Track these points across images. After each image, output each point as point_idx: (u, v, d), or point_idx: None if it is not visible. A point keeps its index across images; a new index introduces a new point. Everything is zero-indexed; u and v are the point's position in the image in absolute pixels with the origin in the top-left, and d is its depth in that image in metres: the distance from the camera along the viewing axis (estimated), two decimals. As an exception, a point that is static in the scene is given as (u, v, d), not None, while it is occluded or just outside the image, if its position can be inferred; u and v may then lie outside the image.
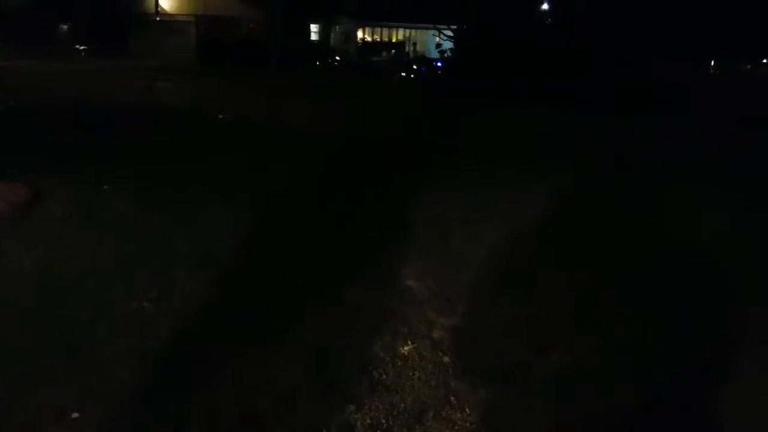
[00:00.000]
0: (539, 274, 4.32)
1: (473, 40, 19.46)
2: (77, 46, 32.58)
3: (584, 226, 5.54)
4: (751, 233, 5.55)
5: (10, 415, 2.53)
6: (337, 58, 31.99)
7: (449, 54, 21.59)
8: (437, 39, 23.33)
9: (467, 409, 2.75)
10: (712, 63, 43.36)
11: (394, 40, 38.89)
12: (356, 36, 37.56)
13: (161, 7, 33.69)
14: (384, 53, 33.88)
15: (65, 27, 35.22)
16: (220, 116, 11.70)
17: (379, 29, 38.99)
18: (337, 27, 36.45)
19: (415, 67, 25.89)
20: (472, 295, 3.93)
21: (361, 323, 3.44)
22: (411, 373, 3.01)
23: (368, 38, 38.89)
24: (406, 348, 3.24)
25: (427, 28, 31.24)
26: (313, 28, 36.38)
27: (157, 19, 33.39)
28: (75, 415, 2.55)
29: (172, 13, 33.87)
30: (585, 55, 17.26)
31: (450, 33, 21.61)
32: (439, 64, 23.09)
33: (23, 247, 4.21)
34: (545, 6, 24.77)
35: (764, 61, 45.67)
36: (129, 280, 3.79)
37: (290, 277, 4.01)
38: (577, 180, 7.38)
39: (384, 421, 2.65)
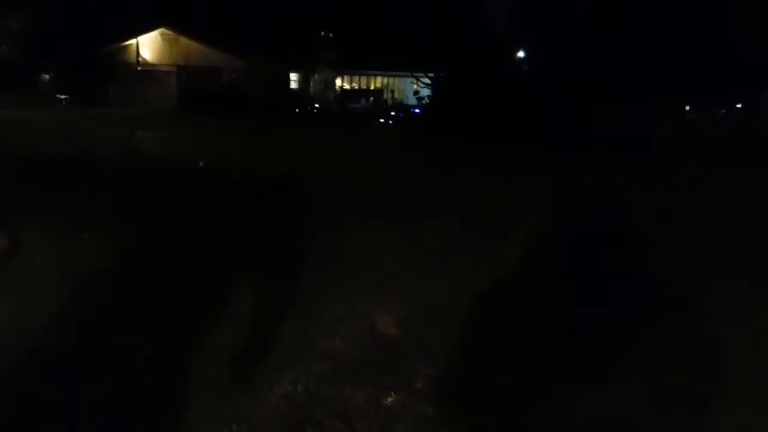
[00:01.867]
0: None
1: (450, 87, 19.89)
2: (58, 95, 32.72)
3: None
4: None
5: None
6: (317, 105, 32.46)
7: (427, 101, 22.02)
8: (415, 86, 23.81)
9: None
10: (687, 108, 44.65)
11: (372, 87, 39.56)
12: (335, 84, 38.17)
13: (142, 57, 34.06)
14: (362, 100, 34.46)
15: (46, 76, 35.41)
16: (201, 164, 11.74)
17: (357, 77, 39.68)
18: (317, 75, 37.06)
19: (393, 113, 26.36)
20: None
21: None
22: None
23: (347, 86, 39.52)
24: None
25: (405, 76, 31.89)
26: (293, 76, 36.95)
27: (138, 69, 33.71)
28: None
29: (154, 63, 34.24)
30: (559, 102, 17.72)
31: (427, 80, 22.07)
32: (416, 110, 23.51)
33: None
34: (521, 53, 25.49)
35: (738, 105, 47.13)
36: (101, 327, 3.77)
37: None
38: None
39: None
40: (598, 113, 19.08)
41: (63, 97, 32.56)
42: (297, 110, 30.21)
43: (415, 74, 23.24)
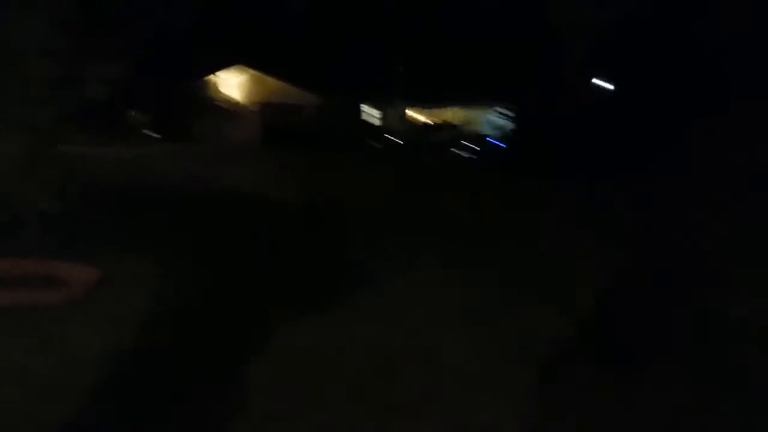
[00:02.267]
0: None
1: (533, 118, 19.56)
2: (145, 131, 34.28)
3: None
4: None
5: None
6: (391, 138, 32.70)
7: (505, 132, 21.73)
8: (492, 117, 23.58)
9: None
10: None
11: (447, 119, 39.55)
12: (408, 116, 38.38)
13: (227, 94, 35.38)
14: (437, 133, 34.42)
15: (134, 113, 37.23)
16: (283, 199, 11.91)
17: (431, 110, 39.75)
18: (390, 108, 37.42)
19: (470, 145, 26.13)
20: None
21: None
22: None
23: (421, 118, 39.64)
24: None
25: (482, 108, 31.65)
26: (368, 110, 37.45)
27: (221, 105, 35.01)
28: None
29: (238, 100, 35.51)
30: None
31: (506, 111, 21.80)
32: (496, 142, 23.23)
33: (89, 328, 4.24)
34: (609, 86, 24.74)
35: None
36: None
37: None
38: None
39: None
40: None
41: (149, 133, 34.06)
42: (371, 143, 30.51)
43: (493, 105, 23.03)
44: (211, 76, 34.97)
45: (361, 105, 35.99)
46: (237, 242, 7.47)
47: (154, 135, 33.64)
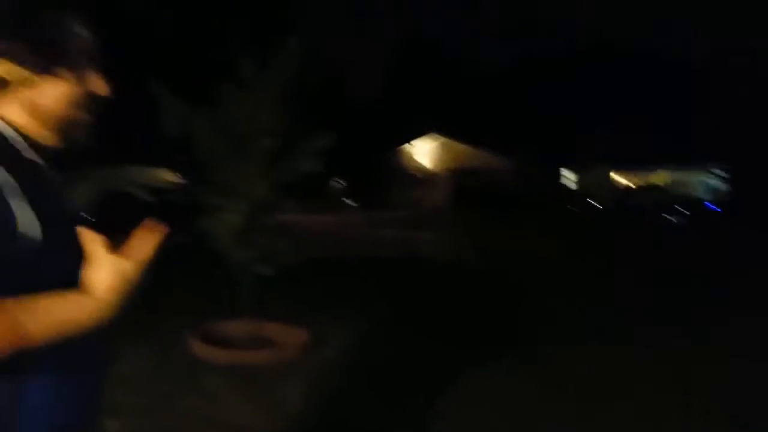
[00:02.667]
0: None
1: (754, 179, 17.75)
2: (344, 199, 36.52)
3: None
4: None
5: None
6: (590, 201, 31.42)
7: (723, 195, 19.87)
8: (706, 180, 21.74)
9: None
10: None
11: (653, 182, 37.25)
12: (610, 179, 36.75)
13: (419, 162, 36.70)
14: (642, 196, 32.37)
15: (333, 183, 39.96)
16: (471, 261, 11.83)
17: (635, 172, 37.78)
18: (590, 171, 36.17)
19: (680, 209, 24.19)
20: None
21: None
22: None
23: (624, 181, 37.77)
24: None
25: (692, 170, 29.45)
26: (565, 173, 36.59)
27: (414, 173, 36.35)
28: None
29: (429, 167, 36.66)
30: None
31: (721, 173, 20.02)
32: (712, 206, 21.28)
33: (301, 391, 4.40)
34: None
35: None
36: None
37: None
38: None
39: None
40: None
41: (348, 201, 36.18)
42: (569, 207, 29.58)
43: (709, 167, 21.27)
44: (407, 145, 36.59)
45: (561, 168, 35.27)
46: (432, 303, 7.50)
47: (352, 203, 35.75)
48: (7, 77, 1.15)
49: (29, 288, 1.06)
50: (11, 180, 1.08)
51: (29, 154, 1.17)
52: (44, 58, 1.16)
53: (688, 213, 23.24)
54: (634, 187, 36.44)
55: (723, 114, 19.80)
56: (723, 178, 19.94)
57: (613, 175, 37.07)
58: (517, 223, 22.14)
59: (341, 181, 39.30)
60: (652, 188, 34.61)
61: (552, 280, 9.71)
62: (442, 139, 35.70)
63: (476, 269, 10.99)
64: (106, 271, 1.11)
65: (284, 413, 4.00)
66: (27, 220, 1.07)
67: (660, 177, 36.00)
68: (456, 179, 33.96)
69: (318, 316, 6.33)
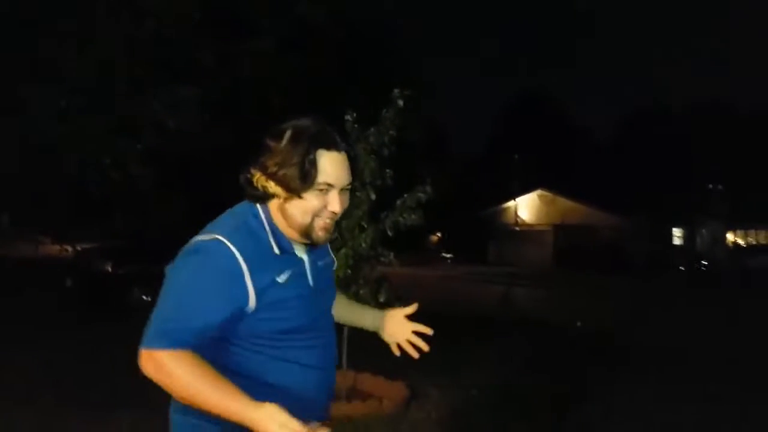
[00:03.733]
0: None
1: None
2: (443, 254, 36.43)
3: None
4: None
5: None
6: (704, 262, 29.64)
7: None
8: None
9: None
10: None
11: (771, 242, 34.89)
12: (725, 239, 34.65)
13: (520, 217, 36.14)
14: (761, 256, 30.25)
15: (433, 237, 40.02)
16: (578, 324, 11.39)
17: (753, 231, 35.52)
18: (704, 230, 34.29)
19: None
20: None
21: None
22: None
23: (740, 241, 35.52)
24: None
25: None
26: (676, 231, 34.86)
27: (516, 228, 35.76)
28: None
29: (531, 222, 36.00)
30: None
31: None
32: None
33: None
34: None
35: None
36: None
37: None
38: None
39: None
40: None
41: (447, 255, 36.04)
42: (681, 268, 28.00)
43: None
44: (510, 202, 36.22)
45: (669, 225, 33.66)
46: (531, 359, 7.28)
47: (450, 257, 35.60)
48: (275, 193, 1.60)
49: (257, 332, 1.56)
50: (247, 268, 1.53)
51: (273, 245, 1.62)
52: (299, 186, 1.58)
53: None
54: (754, 246, 34.21)
55: None
56: None
57: (728, 234, 35.00)
58: (624, 284, 21.21)
59: (440, 236, 39.37)
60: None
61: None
62: (548, 195, 35.11)
63: (587, 334, 10.53)
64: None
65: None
66: (251, 295, 1.55)
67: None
68: (562, 236, 33.10)
69: (416, 372, 6.26)
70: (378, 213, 5.50)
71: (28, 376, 5.84)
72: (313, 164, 1.58)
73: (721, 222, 32.89)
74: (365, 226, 5.37)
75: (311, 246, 1.69)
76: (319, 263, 1.74)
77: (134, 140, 13.81)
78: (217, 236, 1.55)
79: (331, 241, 1.90)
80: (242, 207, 1.67)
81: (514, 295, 15.78)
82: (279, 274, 1.59)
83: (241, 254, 1.54)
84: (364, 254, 5.37)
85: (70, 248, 14.19)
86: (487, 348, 8.26)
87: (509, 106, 46.17)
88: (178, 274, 1.55)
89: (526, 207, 36.23)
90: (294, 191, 1.59)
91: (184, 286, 1.53)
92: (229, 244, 1.54)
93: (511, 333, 9.73)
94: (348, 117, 5.33)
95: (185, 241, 1.65)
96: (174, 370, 1.48)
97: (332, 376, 1.79)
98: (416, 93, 6.28)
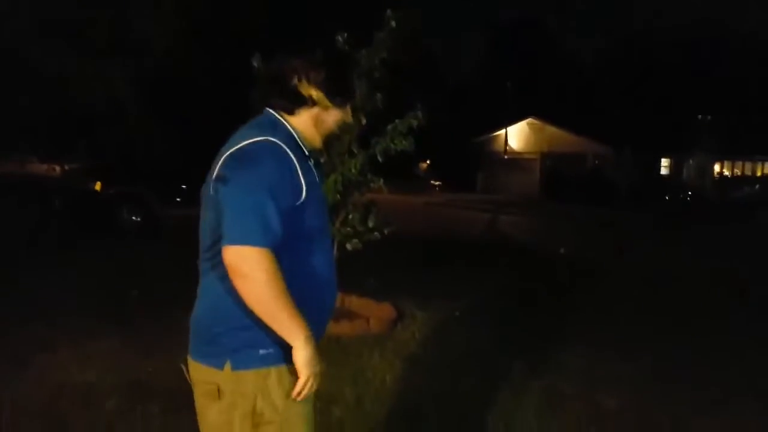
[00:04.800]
0: None
1: None
2: (432, 181, 36.50)
3: None
4: None
5: None
6: (690, 193, 29.92)
7: None
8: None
9: None
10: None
11: (758, 174, 35.07)
12: (712, 171, 34.84)
13: (509, 146, 36.07)
14: (746, 188, 30.54)
15: (423, 164, 39.96)
16: (561, 251, 11.61)
17: (740, 163, 35.69)
18: (691, 161, 34.45)
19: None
20: None
21: None
22: None
23: (727, 172, 35.75)
24: None
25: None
26: (664, 162, 35.02)
27: (505, 157, 35.74)
28: None
29: (519, 151, 35.97)
30: None
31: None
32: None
33: (389, 363, 4.52)
34: None
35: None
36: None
37: None
38: None
39: None
40: None
41: (436, 183, 36.12)
42: (666, 198, 28.28)
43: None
44: (500, 130, 35.99)
45: (656, 156, 33.76)
46: (518, 290, 7.45)
47: (439, 184, 35.66)
48: (317, 101, 1.76)
49: (295, 231, 1.65)
50: (297, 164, 1.66)
51: (306, 151, 1.77)
52: (343, 96, 1.80)
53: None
54: (740, 177, 34.46)
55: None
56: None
57: (715, 166, 35.17)
58: (613, 215, 21.40)
59: (429, 163, 39.29)
60: (756, 179, 32.62)
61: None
62: (538, 123, 34.94)
63: (569, 261, 10.75)
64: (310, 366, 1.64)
65: (370, 384, 4.12)
66: (303, 189, 1.66)
67: (765, 167, 33.91)
68: (549, 165, 33.13)
69: (404, 293, 6.42)
70: (368, 138, 5.48)
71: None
72: (352, 82, 1.87)
73: (709, 153, 32.98)
74: (355, 151, 5.37)
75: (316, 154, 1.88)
76: (319, 172, 1.86)
77: (121, 62, 13.58)
78: (268, 137, 1.67)
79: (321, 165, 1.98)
80: (267, 117, 1.79)
81: (501, 222, 15.98)
82: (310, 173, 1.73)
83: (291, 152, 1.68)
84: (353, 180, 5.39)
85: (57, 168, 14.09)
86: (472, 272, 8.44)
87: (500, 34, 45.17)
88: (248, 174, 1.62)
89: (515, 135, 36.11)
90: (341, 103, 1.80)
91: (257, 185, 1.61)
92: (280, 143, 1.67)
93: (495, 258, 9.93)
94: (339, 38, 5.22)
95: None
96: (261, 265, 1.56)
97: (336, 287, 1.92)
98: (409, 15, 6.13)
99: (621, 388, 4.25)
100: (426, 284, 7.18)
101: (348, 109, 1.85)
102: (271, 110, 1.78)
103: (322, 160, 1.95)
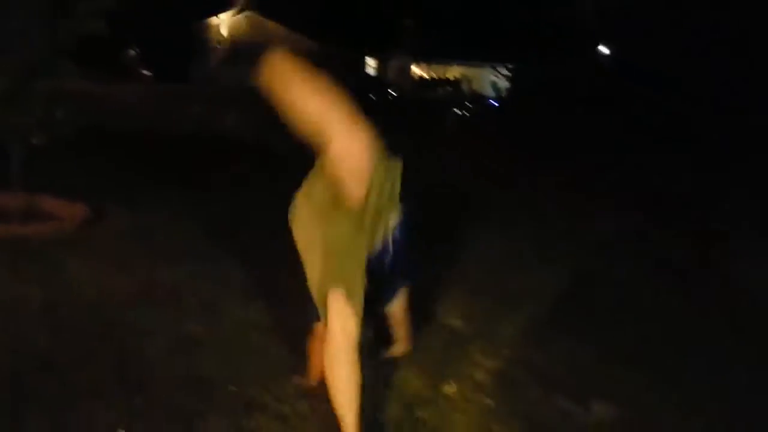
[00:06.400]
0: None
1: (532, 79, 19.51)
2: (142, 71, 34.01)
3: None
4: None
5: None
6: (392, 93, 32.36)
7: (505, 92, 21.69)
8: (493, 77, 23.48)
9: None
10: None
11: (450, 77, 39.16)
12: (411, 72, 37.97)
13: (223, 36, 34.92)
14: (439, 90, 34.06)
15: (131, 51, 36.83)
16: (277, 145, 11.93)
17: (435, 66, 39.35)
18: (393, 62, 37.01)
19: (469, 104, 25.89)
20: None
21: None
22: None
23: (424, 74, 39.24)
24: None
25: (484, 66, 31.43)
26: (370, 61, 37.11)
27: (222, 48, 34.61)
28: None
29: (237, 42, 35.06)
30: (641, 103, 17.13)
31: (507, 72, 21.71)
32: (494, 102, 23.13)
33: (82, 262, 4.34)
34: (606, 50, 24.63)
35: None
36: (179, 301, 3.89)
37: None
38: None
39: None
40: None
41: (146, 72, 33.77)
42: (371, 96, 30.22)
43: (494, 65, 22.93)
44: (214, 18, 34.51)
45: (362, 55, 35.61)
46: (227, 182, 7.51)
47: (149, 74, 33.39)
48: None
49: None
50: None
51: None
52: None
53: (470, 105, 24.89)
54: (434, 79, 38.12)
55: (512, 14, 21.29)
56: (506, 76, 21.75)
57: (414, 67, 38.35)
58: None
59: (139, 51, 36.28)
60: (449, 82, 36.54)
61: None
62: (252, 15, 34.14)
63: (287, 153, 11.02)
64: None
65: (62, 285, 3.96)
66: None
67: (455, 71, 38.05)
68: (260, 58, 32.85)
69: (104, 193, 6.10)
70: (53, 16, 4.94)
71: None
72: None
73: (409, 55, 35.78)
74: (35, 30, 4.82)
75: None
76: None
77: None
78: None
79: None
80: None
81: (217, 114, 15.61)
82: None
83: None
84: (35, 64, 4.87)
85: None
86: (185, 169, 8.25)
87: None
88: None
89: (230, 25, 35.01)
90: None
91: None
92: None
93: (220, 151, 9.72)
94: None
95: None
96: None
97: None
98: None
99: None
100: (135, 183, 6.88)
101: None
102: None
103: None
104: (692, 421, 3.16)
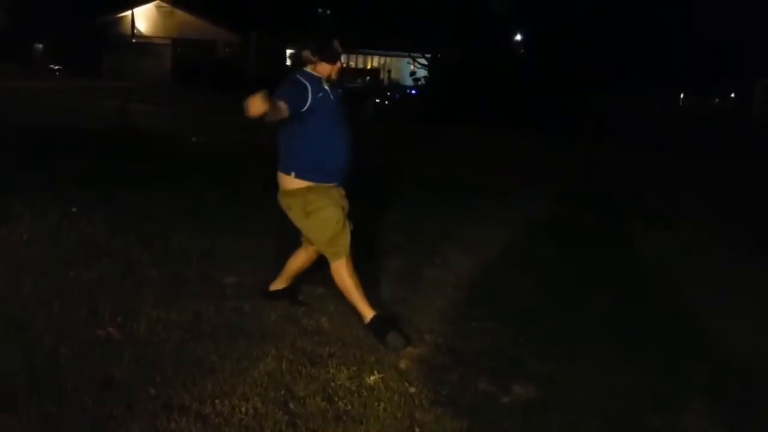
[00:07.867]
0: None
1: (446, 68, 19.80)
2: (51, 66, 32.41)
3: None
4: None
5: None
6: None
7: (423, 82, 21.91)
8: (411, 67, 23.66)
9: None
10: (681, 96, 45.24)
11: (369, 67, 39.23)
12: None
13: (138, 29, 33.68)
14: (359, 80, 34.12)
15: (40, 46, 35.02)
16: (194, 139, 11.66)
17: (354, 56, 39.33)
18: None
19: (389, 93, 26.06)
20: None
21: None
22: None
23: (343, 65, 39.17)
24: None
25: (402, 56, 31.62)
26: (290, 52, 36.61)
27: (133, 41, 33.35)
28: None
29: (148, 35, 33.87)
30: (552, 87, 17.75)
31: (424, 61, 21.92)
32: (413, 91, 23.36)
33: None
34: (518, 37, 25.32)
35: (732, 95, 48.09)
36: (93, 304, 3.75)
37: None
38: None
39: None
40: (590, 99, 19.27)
41: (56, 67, 32.24)
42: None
43: (412, 54, 23.11)
44: (127, 11, 33.16)
45: (282, 45, 35.09)
46: (137, 183, 7.32)
47: (59, 69, 31.85)
48: (306, 61, 3.76)
49: (314, 120, 3.64)
50: (309, 87, 3.61)
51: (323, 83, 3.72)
52: (329, 57, 3.76)
53: (389, 95, 25.10)
54: (355, 69, 38.11)
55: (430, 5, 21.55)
56: (423, 65, 21.99)
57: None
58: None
59: (48, 45, 34.52)
60: (369, 72, 36.63)
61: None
62: (166, 7, 33.07)
63: (202, 146, 10.86)
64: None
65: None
66: (307, 100, 3.59)
67: (374, 61, 38.17)
68: (180, 51, 31.99)
69: (10, 194, 5.80)
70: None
71: None
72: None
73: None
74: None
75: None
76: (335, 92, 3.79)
77: None
78: (297, 75, 3.69)
79: None
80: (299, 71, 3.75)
81: (131, 110, 15.10)
82: (322, 92, 3.67)
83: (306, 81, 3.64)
84: None
85: None
86: (103, 162, 7.98)
87: None
88: (286, 85, 3.64)
89: (143, 18, 33.77)
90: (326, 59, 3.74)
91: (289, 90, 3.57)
92: (301, 78, 3.67)
93: (130, 147, 9.46)
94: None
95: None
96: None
97: (344, 155, 3.77)
98: None
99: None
100: (43, 182, 6.58)
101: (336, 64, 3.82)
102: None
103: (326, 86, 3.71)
104: (610, 399, 3.25)
